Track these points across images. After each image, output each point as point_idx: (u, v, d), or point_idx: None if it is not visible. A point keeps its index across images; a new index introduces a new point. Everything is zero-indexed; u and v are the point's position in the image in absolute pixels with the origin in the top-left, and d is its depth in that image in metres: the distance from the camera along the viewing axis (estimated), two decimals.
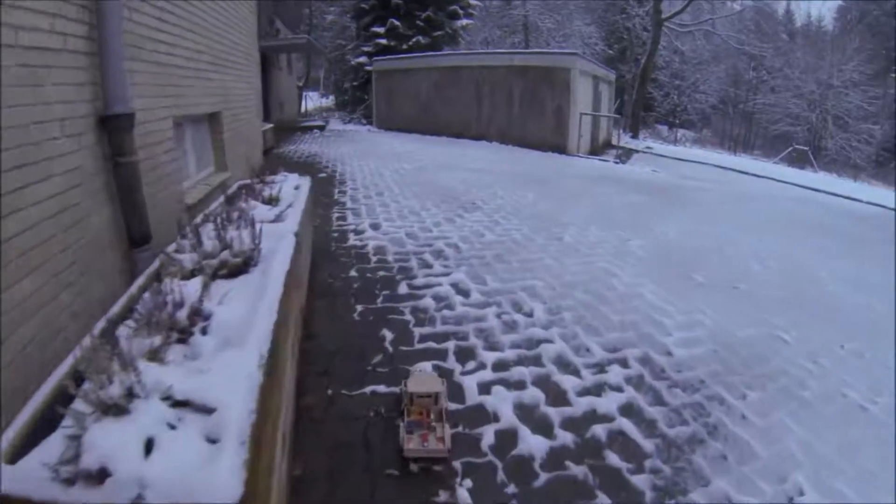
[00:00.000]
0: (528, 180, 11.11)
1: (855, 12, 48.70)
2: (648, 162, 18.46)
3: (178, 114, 6.21)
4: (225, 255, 3.09)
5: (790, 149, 30.35)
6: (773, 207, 11.83)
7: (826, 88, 42.01)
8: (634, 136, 24.86)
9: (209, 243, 3.15)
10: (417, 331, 4.38)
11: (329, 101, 42.28)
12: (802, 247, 8.25)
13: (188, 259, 3.06)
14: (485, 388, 3.64)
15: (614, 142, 23.56)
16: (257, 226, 3.42)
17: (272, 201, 4.71)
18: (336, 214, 7.86)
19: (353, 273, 5.57)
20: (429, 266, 5.78)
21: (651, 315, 4.95)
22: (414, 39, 23.00)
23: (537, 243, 6.77)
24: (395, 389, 3.54)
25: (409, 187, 9.78)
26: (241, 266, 3.13)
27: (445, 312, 4.70)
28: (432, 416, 2.99)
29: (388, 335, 4.29)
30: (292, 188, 5.40)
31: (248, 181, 5.49)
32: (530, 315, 4.75)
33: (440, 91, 19.83)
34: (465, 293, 5.11)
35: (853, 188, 18.18)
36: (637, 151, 21.14)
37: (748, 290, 5.94)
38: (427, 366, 3.84)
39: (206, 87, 7.32)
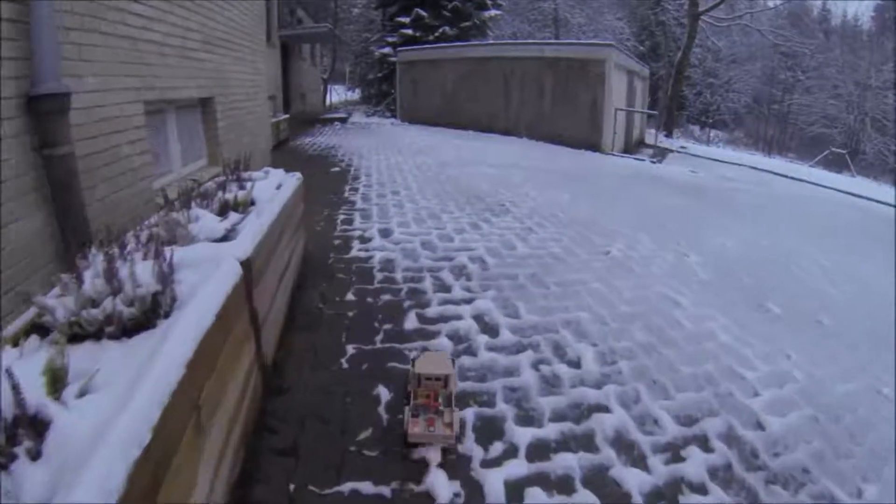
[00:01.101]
0: (561, 179, 9.78)
1: (893, 12, 46.21)
2: (684, 162, 17.02)
3: (153, 97, 5.16)
4: (113, 303, 1.89)
5: (826, 152, 28.53)
6: (820, 212, 10.64)
7: (864, 90, 39.89)
8: (668, 135, 23.29)
9: (97, 283, 1.96)
10: None
11: (355, 95, 41.20)
12: (868, 262, 7.18)
13: (61, 309, 1.88)
14: (515, 492, 2.42)
15: (648, 140, 22.09)
16: (176, 253, 2.23)
17: (238, 206, 3.49)
18: (342, 216, 6.64)
19: (350, 296, 4.33)
20: (446, 288, 4.50)
21: (728, 364, 3.68)
22: (440, 30, 21.63)
23: (580, 258, 5.47)
24: (386, 490, 2.38)
25: (430, 185, 8.54)
26: (141, 320, 1.93)
27: (465, 361, 3.42)
28: (441, 400, 2.68)
29: (384, 394, 3.05)
30: (272, 188, 4.17)
31: (223, 177, 4.32)
32: (577, 365, 3.47)
33: (467, 83, 18.48)
34: (493, 330, 3.83)
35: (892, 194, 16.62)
36: (671, 151, 19.65)
37: (831, 324, 4.70)
38: (443, 343, 3.36)
39: (194, 69, 6.24)
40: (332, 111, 24.03)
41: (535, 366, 3.42)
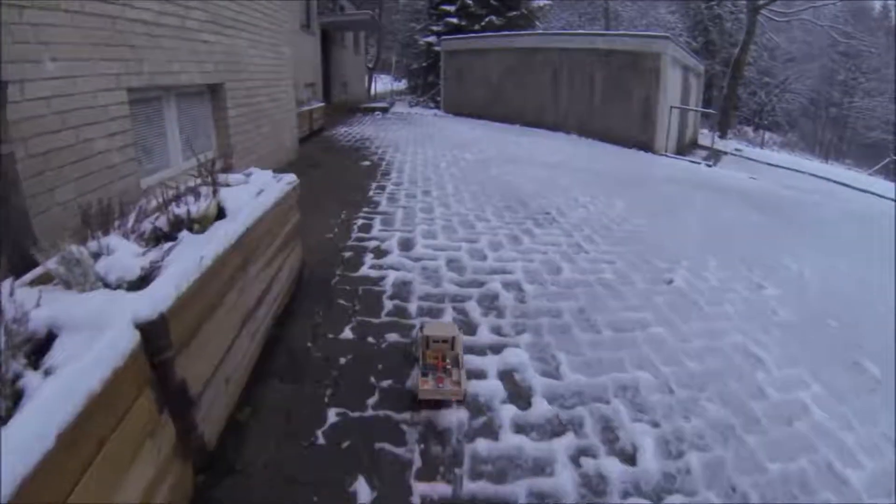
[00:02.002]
0: (614, 183, 8.59)
1: None
2: (740, 166, 15.54)
3: (140, 83, 4.41)
4: None
5: (888, 160, 26.40)
6: None
7: None
8: (723, 137, 21.64)
9: None
10: (420, 490, 2.16)
11: (401, 85, 40.23)
12: None
13: None
14: None
15: (701, 141, 20.54)
16: (54, 308, 1.33)
17: (193, 225, 2.52)
18: (360, 221, 5.63)
19: (347, 332, 3.34)
20: (470, 329, 3.44)
21: (827, 458, 2.58)
22: (487, 19, 20.43)
23: (637, 287, 4.33)
24: None
25: (467, 185, 7.47)
26: None
27: (481, 445, 2.41)
28: (448, 361, 2.75)
29: (362, 493, 2.09)
30: (251, 194, 3.20)
31: (194, 183, 3.38)
32: (632, 460, 2.41)
33: (514, 75, 17.27)
34: (523, 398, 2.78)
35: None
36: (725, 153, 18.10)
37: None
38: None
39: (198, 52, 5.44)
40: (375, 101, 23.10)
41: (576, 458, 2.39)
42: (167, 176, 5.02)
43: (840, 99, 42.54)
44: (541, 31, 20.53)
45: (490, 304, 3.82)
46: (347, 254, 4.71)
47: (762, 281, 4.87)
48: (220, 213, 2.80)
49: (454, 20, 20.81)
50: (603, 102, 15.12)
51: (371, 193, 6.81)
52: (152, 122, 4.96)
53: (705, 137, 21.63)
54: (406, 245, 4.92)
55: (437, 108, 20.80)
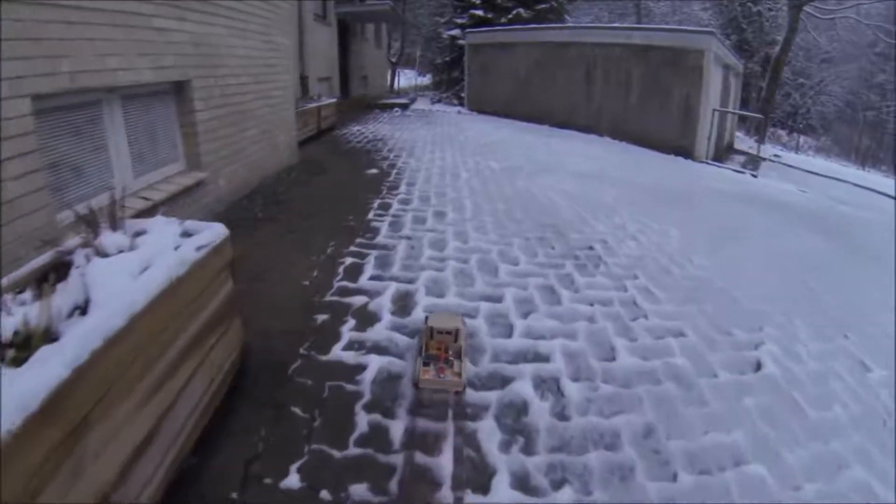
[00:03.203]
0: (662, 200, 7.11)
1: None
2: (781, 174, 13.92)
3: (56, 87, 3.26)
4: None
5: None
6: None
7: None
8: (760, 141, 19.82)
9: None
10: None
11: (426, 80, 38.72)
12: None
13: None
14: None
15: (737, 145, 18.84)
16: None
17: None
18: (349, 260, 4.27)
19: (293, 479, 2.06)
20: (481, 486, 2.08)
21: None
22: (514, 12, 18.78)
23: (719, 382, 2.93)
24: None
25: (490, 203, 6.07)
26: None
27: None
28: (451, 352, 2.74)
29: None
30: (129, 274, 1.86)
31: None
32: None
33: (543, 71, 15.71)
34: None
35: None
36: (764, 159, 16.41)
37: None
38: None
39: (148, 43, 4.16)
40: (396, 96, 21.69)
41: None
42: (109, 198, 3.81)
43: (878, 102, 40.02)
44: (573, 24, 18.81)
45: (514, 423, 2.45)
46: (322, 317, 3.36)
47: (864, 356, 3.50)
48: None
49: (479, 12, 19.21)
50: (639, 103, 13.54)
51: (371, 216, 5.46)
52: (84, 134, 3.69)
53: (741, 141, 19.93)
54: (403, 305, 3.56)
55: (461, 105, 19.36)
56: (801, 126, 37.74)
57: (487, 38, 17.27)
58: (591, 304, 3.71)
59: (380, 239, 4.77)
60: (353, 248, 4.53)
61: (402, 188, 6.59)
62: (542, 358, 3.01)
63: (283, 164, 7.27)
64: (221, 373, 2.47)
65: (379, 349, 3.01)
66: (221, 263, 2.57)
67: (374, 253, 4.43)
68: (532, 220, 5.50)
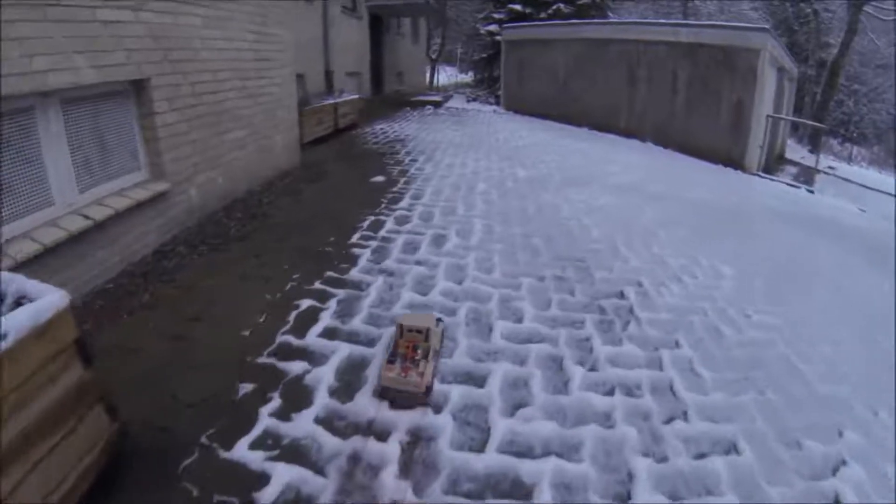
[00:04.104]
0: (709, 222, 5.84)
1: None
2: (838, 189, 12.36)
3: None
4: None
5: None
6: None
7: None
8: (817, 152, 17.92)
9: None
10: None
11: (467, 77, 37.46)
12: None
13: None
14: None
15: (788, 155, 17.11)
16: None
17: None
18: (306, 303, 3.25)
19: None
20: None
21: None
22: (554, 7, 17.32)
23: None
24: None
25: (506, 225, 4.95)
26: None
27: None
28: (419, 353, 2.53)
29: None
30: None
31: None
32: None
33: (583, 70, 14.33)
34: None
35: None
36: (818, 172, 14.67)
37: None
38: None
39: (91, 37, 3.37)
40: (431, 93, 20.61)
41: None
42: (45, 219, 3.10)
43: None
44: (614, 20, 17.26)
45: None
46: (246, 387, 2.46)
47: None
48: None
49: (518, 7, 17.82)
50: (686, 106, 12.11)
51: (355, 238, 4.43)
52: (11, 146, 2.93)
53: (792, 150, 18.18)
54: (348, 382, 2.54)
55: (498, 104, 18.15)
56: (853, 135, 34.99)
57: (524, 34, 15.99)
58: (611, 392, 2.59)
59: (354, 273, 3.74)
60: (317, 286, 3.53)
61: (405, 202, 5.53)
62: (521, 490, 1.93)
63: (279, 169, 6.31)
64: (70, 480, 1.58)
65: (294, 454, 2.04)
66: (54, 349, 1.65)
67: (339, 294, 3.41)
68: (552, 251, 4.36)
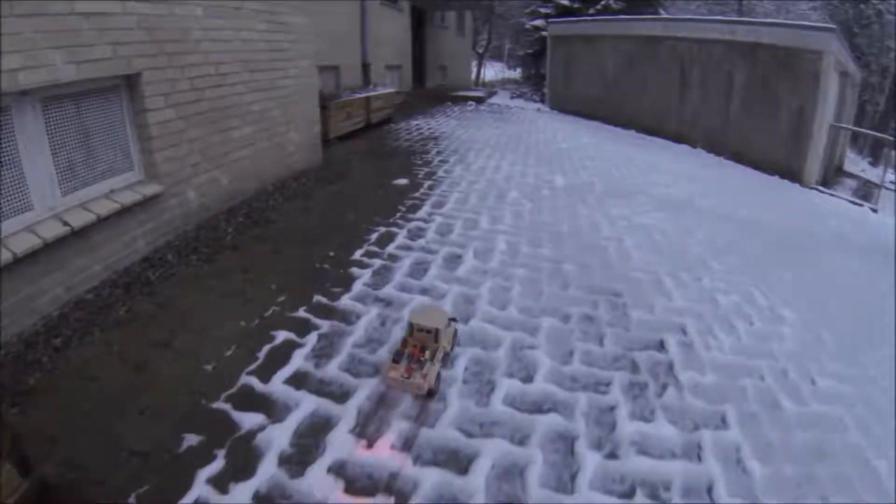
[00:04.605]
0: (766, 247, 5.03)
1: None
2: None
3: None
4: None
5: None
6: None
7: None
8: (875, 163, 16.44)
9: None
10: None
11: (514, 74, 36.43)
12: None
13: None
14: None
15: (846, 167, 15.74)
16: None
17: None
18: (280, 339, 2.72)
19: None
20: None
21: None
22: (603, 2, 16.34)
23: None
24: None
25: (533, 244, 4.27)
26: None
27: None
28: (427, 353, 2.38)
29: None
30: None
31: None
32: None
33: (632, 69, 13.38)
34: None
35: None
36: (879, 187, 13.31)
37: None
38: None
39: (69, 31, 3.00)
40: (475, 89, 19.90)
41: None
42: (22, 225, 2.88)
43: None
44: (666, 17, 16.05)
45: None
46: (190, 441, 2.03)
47: None
48: None
49: (565, 1, 16.90)
50: (742, 111, 11.08)
51: (359, 254, 3.85)
52: None
53: (851, 162, 16.78)
54: (308, 446, 2.03)
55: (542, 102, 17.32)
56: None
57: (571, 30, 15.10)
58: (629, 494, 1.94)
59: (345, 300, 3.17)
60: (300, 313, 2.99)
61: (424, 210, 4.93)
62: None
63: (294, 168, 5.80)
64: None
65: None
66: None
67: (322, 327, 2.87)
68: (584, 280, 3.68)
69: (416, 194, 5.46)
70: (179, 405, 2.23)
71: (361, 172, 6.26)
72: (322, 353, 2.65)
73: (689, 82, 12.02)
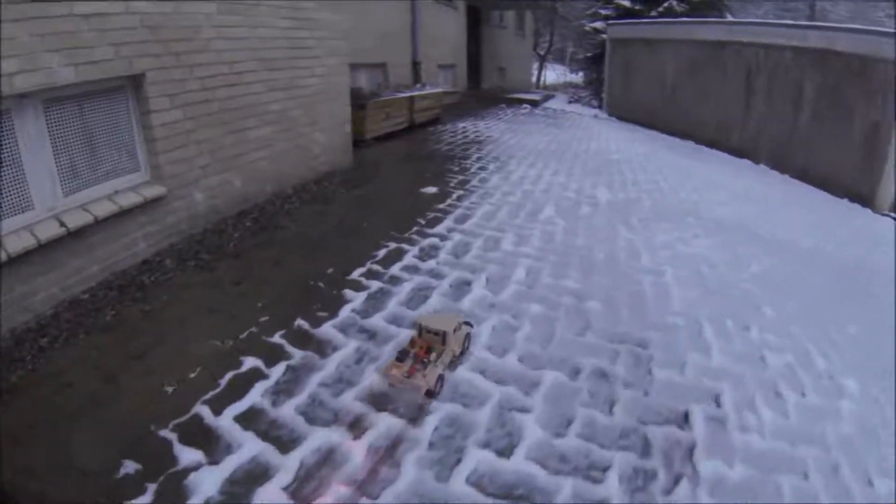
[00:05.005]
0: (830, 289, 4.31)
1: None
2: None
3: None
4: None
5: None
6: None
7: None
8: None
9: None
10: None
11: (577, 77, 35.24)
12: None
13: None
14: None
15: None
16: None
17: None
18: (245, 366, 2.36)
19: None
20: None
21: None
22: (665, 4, 15.22)
23: None
24: None
25: (558, 273, 3.70)
26: None
27: None
28: (433, 355, 2.33)
29: None
30: None
31: None
32: None
33: (694, 76, 12.36)
34: None
35: None
36: None
37: None
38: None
39: (65, 34, 2.88)
40: (533, 92, 19.18)
41: None
42: (21, 224, 2.82)
43: None
44: (731, 20, 14.74)
45: None
46: (128, 468, 1.86)
47: None
48: None
49: (626, 3, 15.87)
50: (810, 125, 9.95)
51: (359, 273, 3.43)
52: None
53: None
54: (238, 496, 1.64)
55: (600, 108, 16.46)
56: None
57: (630, 32, 14.17)
58: None
59: (327, 327, 2.79)
60: (276, 338, 2.69)
61: (445, 224, 4.46)
62: None
63: (319, 171, 5.46)
64: None
65: None
66: None
67: (294, 357, 2.53)
68: (608, 323, 3.09)
69: (442, 205, 5.00)
70: (132, 427, 2.07)
71: (391, 177, 5.87)
72: (283, 390, 2.31)
73: (753, 91, 10.98)
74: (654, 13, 15.11)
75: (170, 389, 2.28)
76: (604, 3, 17.41)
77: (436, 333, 2.40)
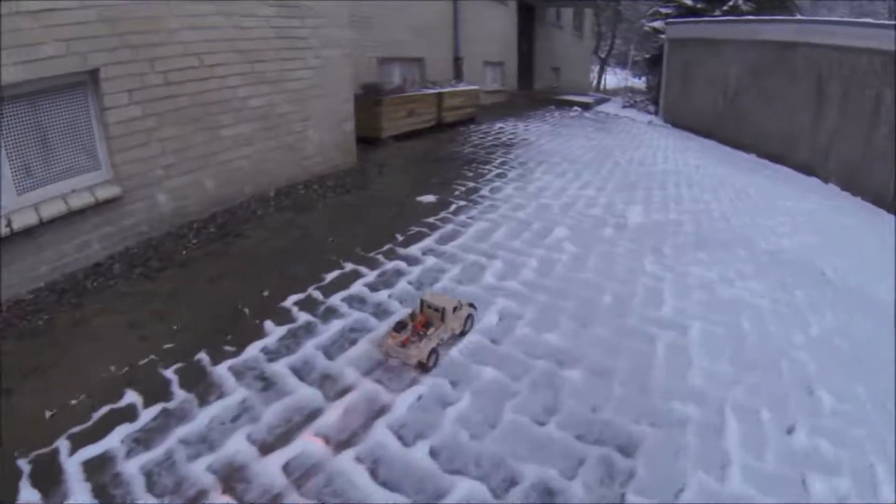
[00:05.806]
0: None
1: None
2: None
3: None
4: None
5: None
6: None
7: None
8: None
9: None
10: None
11: (639, 82, 33.10)
12: None
13: None
14: None
15: None
16: None
17: None
18: (125, 401, 1.71)
19: None
20: None
21: None
22: (731, 2, 13.49)
23: None
24: None
25: (539, 328, 2.81)
26: None
27: None
28: (431, 329, 2.27)
29: None
30: None
31: None
32: None
33: (756, 81, 10.72)
34: None
35: None
36: None
37: None
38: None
39: (14, 32, 2.62)
40: (587, 94, 17.88)
41: None
42: None
43: None
44: (801, 18, 12.73)
45: None
46: None
47: None
48: None
49: (688, 1, 14.29)
50: (890, 141, 8.44)
51: (293, 300, 2.70)
52: None
53: None
54: None
55: (656, 113, 15.03)
56: None
57: (690, 32, 12.65)
58: None
59: (221, 369, 2.24)
60: (167, 373, 2.24)
61: (424, 243, 3.61)
62: None
63: (312, 172, 4.77)
64: None
65: None
66: None
67: (171, 402, 2.06)
68: (585, 407, 2.17)
69: (433, 218, 4.19)
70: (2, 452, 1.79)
71: (391, 182, 5.12)
72: (142, 440, 1.87)
73: (825, 100, 9.38)
74: (718, 12, 13.47)
75: (48, 415, 1.98)
76: (665, 2, 15.82)
77: (436, 309, 2.32)
